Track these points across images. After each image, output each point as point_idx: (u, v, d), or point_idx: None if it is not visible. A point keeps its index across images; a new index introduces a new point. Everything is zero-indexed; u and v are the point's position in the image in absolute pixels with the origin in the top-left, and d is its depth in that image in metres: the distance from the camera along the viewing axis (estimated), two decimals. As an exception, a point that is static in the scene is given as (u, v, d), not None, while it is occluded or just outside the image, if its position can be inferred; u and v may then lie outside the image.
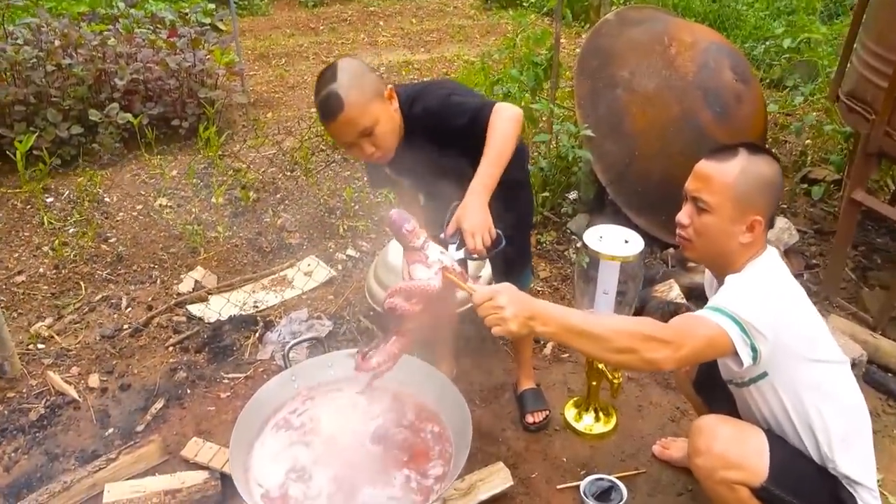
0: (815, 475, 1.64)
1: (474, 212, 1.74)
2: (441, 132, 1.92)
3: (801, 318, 1.62)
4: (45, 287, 3.18)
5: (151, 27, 5.54)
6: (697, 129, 3.07)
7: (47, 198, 3.90)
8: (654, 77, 3.12)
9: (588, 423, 2.38)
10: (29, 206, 3.80)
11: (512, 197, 2.16)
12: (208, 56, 4.91)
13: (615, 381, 2.20)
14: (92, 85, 4.51)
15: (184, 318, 2.97)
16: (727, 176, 1.61)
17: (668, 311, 2.77)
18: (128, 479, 2.18)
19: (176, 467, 2.24)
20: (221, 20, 6.56)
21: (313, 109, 4.75)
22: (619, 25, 3.36)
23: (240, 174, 4.07)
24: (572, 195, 3.64)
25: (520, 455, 2.30)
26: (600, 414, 2.39)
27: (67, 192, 3.97)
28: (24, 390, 2.58)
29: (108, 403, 2.55)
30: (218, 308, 2.98)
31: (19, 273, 3.25)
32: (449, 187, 1.82)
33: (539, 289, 3.10)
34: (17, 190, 3.91)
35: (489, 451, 2.29)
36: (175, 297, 3.10)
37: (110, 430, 2.43)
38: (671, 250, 3.24)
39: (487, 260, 2.73)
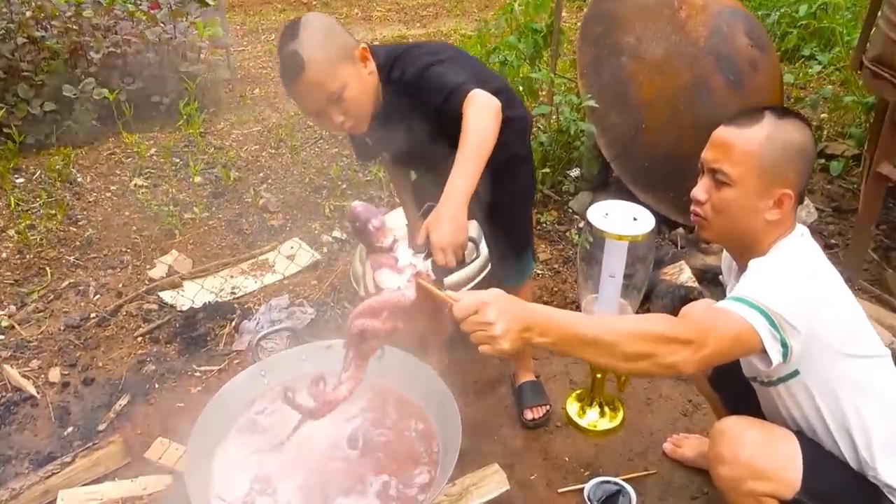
0: (853, 484, 1.43)
1: (445, 222, 1.51)
2: (417, 106, 1.70)
3: (838, 308, 1.40)
4: (8, 273, 2.96)
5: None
6: (709, 98, 2.84)
7: (17, 178, 3.68)
8: (662, 43, 2.88)
9: (592, 419, 2.16)
10: (-2, 189, 3.58)
11: (511, 174, 1.93)
12: (191, 29, 4.65)
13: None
14: (67, 59, 4.27)
15: (155, 306, 2.76)
16: (751, 143, 1.39)
17: (678, 296, 2.55)
18: (84, 484, 1.98)
19: (139, 470, 2.03)
20: (208, -7, 6.28)
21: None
22: (625, -13, 3.11)
23: (221, 152, 3.84)
24: (574, 172, 3.41)
25: (517, 454, 2.10)
26: (605, 408, 2.16)
27: (39, 173, 3.74)
28: (-23, 386, 2.38)
29: (69, 399, 2.34)
30: (192, 295, 2.76)
31: (-20, 258, 3.03)
32: (439, 163, 1.60)
33: (539, 272, 2.88)
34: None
35: (484, 450, 2.09)
36: (147, 283, 2.88)
37: (69, 430, 2.22)
38: (680, 230, 3.02)
39: (483, 243, 2.54)
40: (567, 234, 3.11)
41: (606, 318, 1.28)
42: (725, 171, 1.41)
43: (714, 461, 1.46)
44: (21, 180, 3.67)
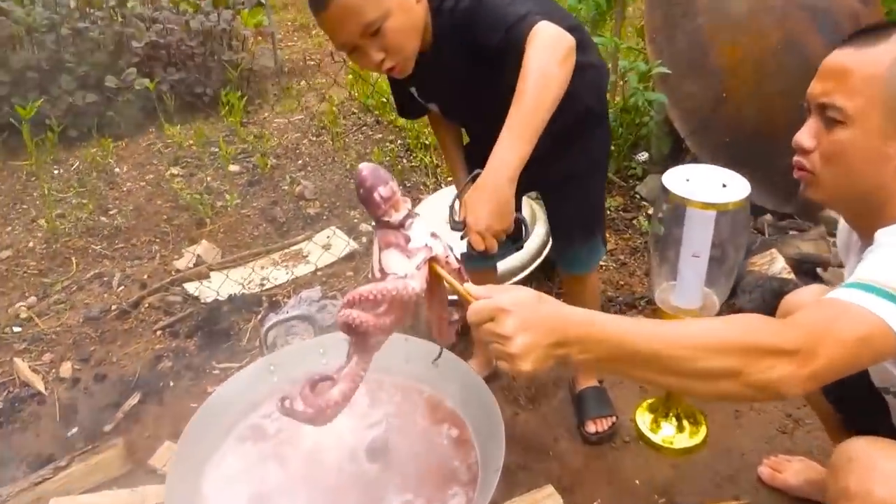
0: None
1: (486, 200, 1.23)
2: (473, 44, 1.38)
3: None
4: (34, 263, 2.80)
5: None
6: (804, 61, 2.43)
7: (55, 169, 3.56)
8: (747, -2, 2.50)
9: (668, 434, 1.80)
10: (34, 179, 3.46)
11: (583, 135, 1.58)
12: (235, 18, 4.50)
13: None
14: (112, 50, 4.17)
15: (179, 298, 2.53)
16: (874, 66, 1.02)
17: (769, 290, 2.16)
18: (81, 493, 1.75)
19: (141, 478, 1.79)
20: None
21: (352, 74, 4.28)
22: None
23: (261, 141, 3.64)
24: (642, 156, 3.04)
25: (577, 475, 1.75)
26: (684, 421, 1.81)
27: (77, 164, 3.62)
28: (-15, 380, 2.20)
29: (78, 397, 2.13)
30: (217, 286, 2.53)
31: (7, 248, 2.89)
32: (500, 119, 1.27)
33: (603, 263, 2.53)
34: (26, 162, 3.57)
35: (536, 469, 1.76)
36: (173, 273, 2.67)
37: (74, 430, 2.01)
38: (768, 217, 2.62)
39: (543, 223, 2.19)
40: (634, 222, 2.75)
41: (670, 324, 0.94)
42: (839, 106, 1.04)
43: (838, 497, 1.09)
44: (59, 171, 3.56)
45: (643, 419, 1.86)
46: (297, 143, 3.62)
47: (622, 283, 2.46)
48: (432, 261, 1.05)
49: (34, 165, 3.47)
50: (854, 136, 1.05)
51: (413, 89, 1.57)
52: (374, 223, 1.10)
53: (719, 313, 1.75)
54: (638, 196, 2.88)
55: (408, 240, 1.05)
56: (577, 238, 1.72)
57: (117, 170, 3.52)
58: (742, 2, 2.50)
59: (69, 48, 4.05)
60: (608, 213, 2.80)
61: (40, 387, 2.15)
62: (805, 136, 1.11)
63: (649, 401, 1.92)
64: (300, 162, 3.41)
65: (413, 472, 1.34)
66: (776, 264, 2.20)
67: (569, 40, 1.29)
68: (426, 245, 1.05)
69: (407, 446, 1.39)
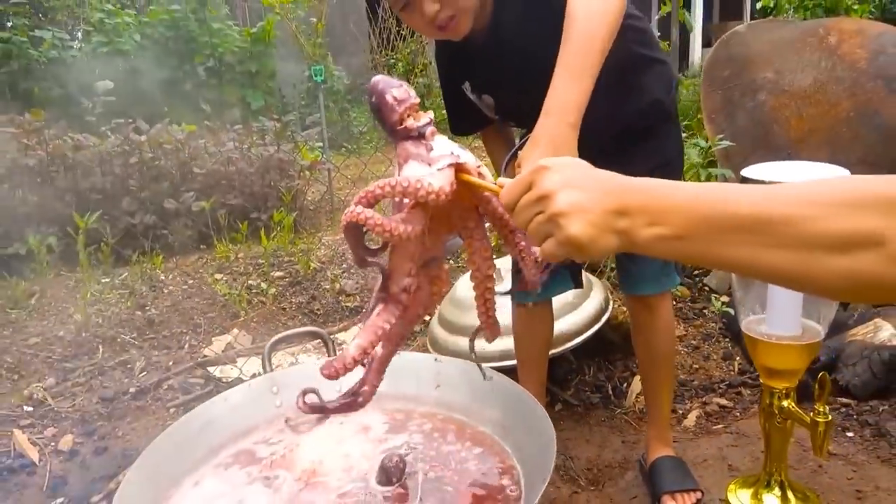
0: None
1: (543, 151, 1.05)
2: (533, 16, 1.26)
3: None
4: (59, 350, 2.67)
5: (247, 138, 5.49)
6: (881, 128, 2.27)
7: (104, 279, 3.55)
8: (810, 71, 2.41)
9: (772, 511, 1.42)
10: (81, 284, 3.44)
11: (652, 132, 1.41)
12: (294, 151, 4.70)
13: (819, 419, 1.27)
14: (174, 177, 4.35)
15: (201, 381, 2.33)
16: None
17: (877, 360, 1.82)
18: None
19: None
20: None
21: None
22: (754, 33, 2.72)
23: (307, 254, 3.58)
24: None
25: (655, 562, 1.37)
26: (789, 492, 1.42)
27: (125, 275, 3.61)
28: (-20, 451, 1.98)
29: (72, 469, 1.90)
30: (241, 365, 2.32)
31: (36, 336, 2.78)
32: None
33: (671, 349, 2.22)
34: (77, 273, 3.59)
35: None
36: (200, 358, 2.48)
37: (59, 501, 1.75)
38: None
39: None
40: (704, 311, 2.46)
41: (782, 184, 0.69)
42: None
43: None
44: (106, 279, 3.54)
45: (738, 497, 1.48)
46: (343, 252, 3.54)
47: (696, 366, 2.13)
48: (457, 167, 0.87)
49: (83, 273, 3.47)
50: None
51: (466, 84, 1.44)
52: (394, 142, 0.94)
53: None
54: (707, 288, 2.61)
55: (430, 149, 0.89)
56: (641, 262, 1.47)
57: (163, 277, 3.49)
58: (806, 75, 2.41)
59: (134, 175, 4.24)
60: (674, 303, 2.53)
61: (34, 457, 1.92)
62: None
63: (742, 478, 1.54)
64: (344, 266, 3.31)
65: (435, 496, 1.03)
66: (882, 332, 1.87)
67: None
68: (451, 153, 0.88)
69: (428, 468, 1.09)
